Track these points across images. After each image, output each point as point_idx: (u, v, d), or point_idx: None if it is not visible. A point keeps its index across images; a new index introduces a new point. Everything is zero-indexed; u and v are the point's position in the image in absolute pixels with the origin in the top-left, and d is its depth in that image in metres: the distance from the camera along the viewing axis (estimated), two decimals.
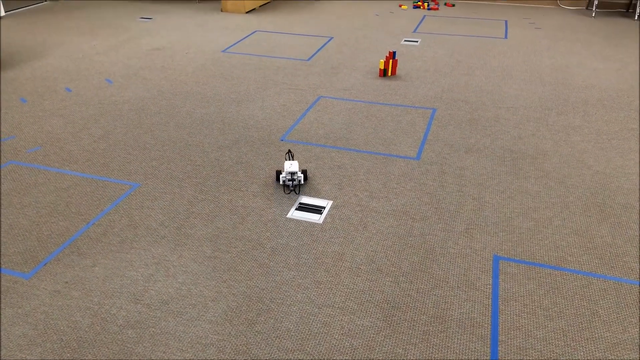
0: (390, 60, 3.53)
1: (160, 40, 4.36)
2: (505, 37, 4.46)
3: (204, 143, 2.67)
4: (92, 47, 4.15)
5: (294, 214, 2.11)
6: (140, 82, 3.46)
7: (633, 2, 5.30)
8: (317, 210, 2.14)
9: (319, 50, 4.12)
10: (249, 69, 3.70)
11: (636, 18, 5.03)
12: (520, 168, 2.40)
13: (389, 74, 3.57)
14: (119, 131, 2.79)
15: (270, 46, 4.21)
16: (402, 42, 4.31)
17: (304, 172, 2.31)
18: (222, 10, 5.30)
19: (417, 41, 4.34)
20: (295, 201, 2.18)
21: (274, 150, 2.59)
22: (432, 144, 2.63)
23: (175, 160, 2.50)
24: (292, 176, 2.26)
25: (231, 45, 4.22)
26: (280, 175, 2.30)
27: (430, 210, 2.12)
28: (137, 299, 1.67)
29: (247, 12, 5.25)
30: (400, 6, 5.52)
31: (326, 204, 2.17)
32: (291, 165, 2.25)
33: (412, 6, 5.53)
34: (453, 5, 5.55)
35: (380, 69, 3.54)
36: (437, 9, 5.40)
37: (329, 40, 4.36)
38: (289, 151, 2.45)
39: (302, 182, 2.30)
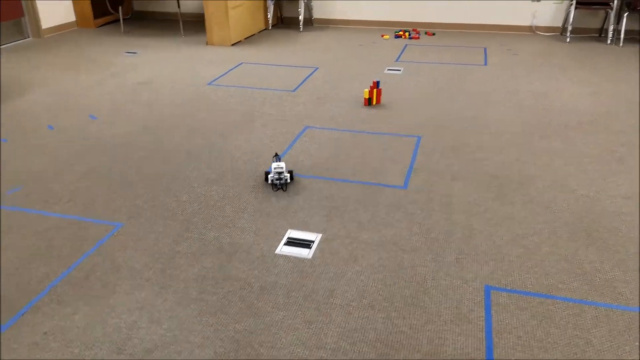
0: (375, 90, 3.57)
1: (145, 74, 4.37)
2: (485, 63, 4.55)
3: (190, 178, 2.65)
4: (76, 82, 4.14)
5: (282, 249, 2.09)
6: (125, 117, 3.45)
7: (605, 27, 5.47)
8: (306, 244, 2.11)
9: (304, 80, 4.16)
10: (235, 101, 3.72)
11: (608, 42, 5.18)
12: (506, 194, 2.42)
13: (374, 102, 3.61)
14: (103, 168, 2.77)
15: (256, 78, 4.24)
16: (386, 71, 4.38)
17: (290, 172, 2.55)
18: (207, 44, 5.35)
19: (399, 70, 4.41)
20: (284, 235, 2.16)
21: (262, 184, 2.58)
22: (419, 172, 2.64)
23: (160, 197, 2.48)
24: (279, 175, 2.50)
25: (217, 78, 4.25)
26: (269, 175, 2.53)
27: (420, 240, 2.11)
28: (120, 349, 1.62)
29: (232, 45, 5.31)
30: (382, 36, 5.63)
31: (315, 237, 2.15)
32: (278, 166, 2.49)
33: (393, 36, 5.64)
34: (433, 34, 5.67)
35: (365, 98, 3.58)
36: (418, 38, 5.51)
37: (314, 71, 4.41)
38: (276, 154, 2.65)
39: (289, 181, 2.54)
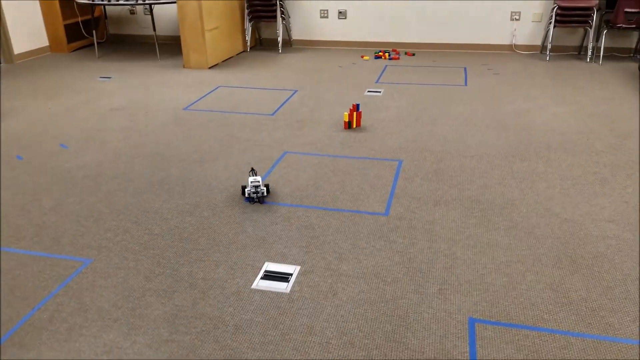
0: (355, 113, 3.53)
1: (120, 100, 4.28)
2: (465, 84, 4.56)
3: (163, 209, 2.55)
4: (47, 109, 4.03)
5: (259, 283, 1.99)
6: (97, 145, 3.35)
7: (584, 44, 5.54)
8: (284, 278, 2.02)
9: (283, 104, 4.10)
10: (212, 126, 3.64)
11: (588, 60, 5.24)
12: (489, 219, 2.36)
13: (354, 125, 3.56)
14: (72, 201, 2.65)
15: (234, 102, 4.18)
16: (366, 93, 4.35)
17: (266, 185, 2.62)
18: (184, 67, 5.29)
19: (380, 91, 4.38)
20: (261, 269, 2.07)
21: (238, 213, 2.49)
22: (400, 198, 2.58)
23: (131, 230, 2.37)
24: (256, 189, 2.57)
25: (193, 102, 4.17)
26: (246, 190, 2.60)
27: (402, 270, 2.04)
28: None
29: (209, 68, 5.25)
30: (362, 57, 5.63)
31: (293, 269, 2.07)
32: (255, 180, 2.56)
33: (373, 57, 5.64)
34: (413, 55, 5.69)
35: (345, 121, 3.53)
36: (398, 58, 5.52)
37: (293, 94, 4.36)
38: (252, 168, 2.70)
39: (265, 194, 2.60)
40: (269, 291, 1.94)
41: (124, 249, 2.23)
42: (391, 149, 3.18)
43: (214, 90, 4.51)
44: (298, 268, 2.07)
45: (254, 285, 1.98)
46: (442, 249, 2.15)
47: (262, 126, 3.62)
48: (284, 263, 2.11)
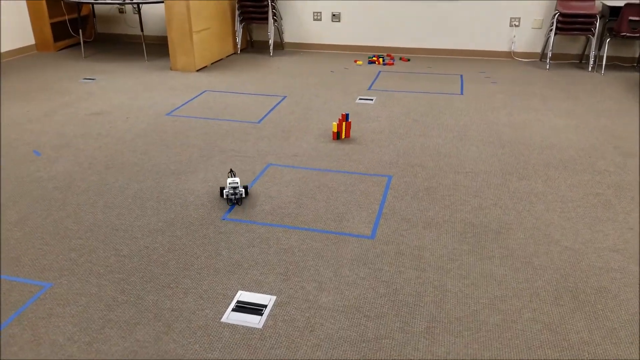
0: (344, 123, 3.35)
1: (101, 103, 4.09)
2: (461, 92, 4.39)
3: (134, 227, 2.36)
4: (26, 112, 3.84)
5: (229, 316, 1.82)
6: (71, 153, 3.16)
7: (585, 53, 5.39)
8: (258, 310, 1.85)
9: (270, 110, 3.93)
10: (194, 134, 3.46)
11: (590, 69, 5.08)
12: (483, 246, 2.19)
13: (343, 136, 3.39)
14: (38, 216, 2.47)
15: (220, 107, 4.00)
16: (357, 101, 4.18)
17: (245, 187, 2.61)
18: (171, 69, 5.10)
19: (372, 99, 4.21)
20: (233, 299, 1.89)
21: (213, 233, 2.31)
22: (388, 219, 2.41)
23: (97, 250, 2.19)
24: (234, 190, 2.54)
25: (177, 108, 3.99)
26: (224, 191, 2.57)
27: (387, 304, 1.86)
28: None
29: (197, 71, 5.07)
30: (355, 62, 5.45)
31: (268, 300, 1.89)
32: (233, 182, 2.54)
33: (367, 61, 5.47)
34: (408, 60, 5.52)
35: (333, 132, 3.35)
36: (393, 64, 5.35)
37: (281, 100, 4.19)
38: (231, 170, 2.68)
39: (244, 195, 2.59)
40: (240, 326, 1.77)
41: (87, 271, 2.05)
42: (381, 164, 3.00)
43: (199, 95, 4.33)
44: (273, 299, 1.89)
45: (224, 319, 1.80)
46: (431, 280, 1.98)
47: (247, 135, 3.45)
48: (259, 292, 1.93)
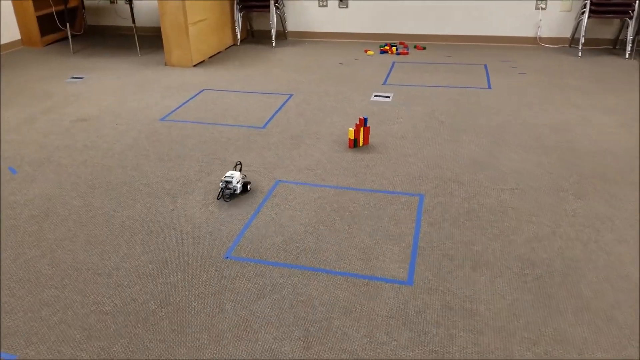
0: (362, 129, 2.92)
1: (87, 107, 3.66)
2: (489, 86, 3.94)
3: (120, 270, 1.96)
4: (4, 120, 3.42)
5: None
6: (52, 170, 2.75)
7: (620, 37, 4.90)
8: None
9: (276, 112, 3.49)
10: (192, 143, 3.04)
11: (627, 56, 4.60)
12: (549, 295, 1.78)
13: (360, 144, 2.96)
14: (8, 255, 2.06)
15: (220, 109, 3.56)
16: (372, 98, 3.73)
17: (245, 184, 2.43)
18: (166, 64, 4.65)
19: (389, 96, 3.77)
20: None
21: (215, 277, 1.90)
22: (426, 255, 2.00)
23: (75, 305, 1.79)
24: (226, 185, 2.36)
25: (173, 111, 3.56)
26: (220, 184, 2.42)
27: None
28: None
29: (194, 66, 4.62)
30: (365, 52, 4.98)
31: None
32: (230, 175, 2.37)
33: (379, 51, 5.00)
34: (424, 48, 5.05)
35: (349, 139, 2.93)
36: (407, 53, 4.88)
37: (288, 99, 3.75)
38: (239, 163, 2.54)
39: (238, 192, 2.40)
40: None
41: (61, 337, 1.66)
42: (408, 178, 2.58)
43: (197, 94, 3.89)
44: None
45: None
46: (492, 348, 1.57)
47: (251, 143, 3.02)
48: None
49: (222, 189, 2.39)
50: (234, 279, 1.89)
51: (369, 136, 3.04)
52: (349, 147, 2.94)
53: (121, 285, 1.88)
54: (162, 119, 3.41)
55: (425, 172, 2.64)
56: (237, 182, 2.39)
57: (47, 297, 1.84)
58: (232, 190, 2.38)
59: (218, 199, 2.40)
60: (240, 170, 2.48)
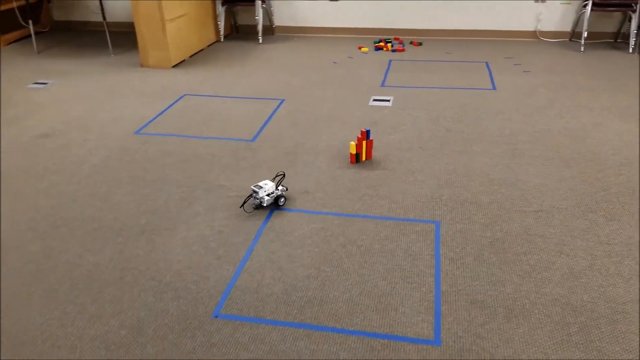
0: (364, 142, 2.61)
1: (53, 119, 3.27)
2: (493, 87, 3.64)
3: (84, 341, 1.62)
4: None
5: None
6: (6, 202, 2.37)
7: (622, 31, 4.65)
8: None
9: (267, 122, 3.15)
10: (171, 162, 2.69)
11: (630, 51, 4.35)
12: (599, 349, 1.50)
13: (363, 158, 2.65)
14: None
15: (203, 119, 3.21)
16: (371, 103, 3.41)
17: (278, 197, 2.21)
18: (142, 66, 4.26)
19: (389, 100, 3.45)
20: None
21: (202, 346, 1.58)
22: (452, 302, 1.70)
23: None
24: (253, 194, 2.20)
25: (149, 122, 3.19)
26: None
27: None
28: None
29: (174, 67, 4.23)
30: (359, 48, 4.65)
31: None
32: (262, 185, 2.19)
33: (373, 48, 4.66)
34: (420, 44, 4.73)
35: (351, 154, 2.61)
36: (403, 50, 4.56)
37: (279, 105, 3.41)
38: (282, 174, 2.43)
39: (264, 204, 2.20)
40: None
41: None
42: (420, 201, 2.28)
43: (177, 100, 3.52)
44: None
45: None
46: None
47: (239, 161, 2.68)
48: None
49: (250, 197, 2.23)
50: (225, 345, 1.57)
51: (372, 148, 2.73)
52: (351, 162, 2.63)
53: None
54: (137, 132, 3.04)
55: (437, 193, 2.34)
56: (267, 194, 2.19)
57: None
58: (258, 202, 2.20)
59: (240, 207, 2.23)
60: (279, 183, 2.32)
